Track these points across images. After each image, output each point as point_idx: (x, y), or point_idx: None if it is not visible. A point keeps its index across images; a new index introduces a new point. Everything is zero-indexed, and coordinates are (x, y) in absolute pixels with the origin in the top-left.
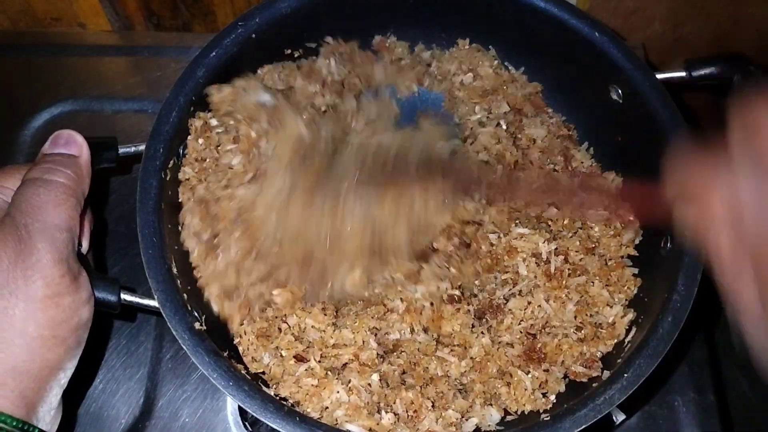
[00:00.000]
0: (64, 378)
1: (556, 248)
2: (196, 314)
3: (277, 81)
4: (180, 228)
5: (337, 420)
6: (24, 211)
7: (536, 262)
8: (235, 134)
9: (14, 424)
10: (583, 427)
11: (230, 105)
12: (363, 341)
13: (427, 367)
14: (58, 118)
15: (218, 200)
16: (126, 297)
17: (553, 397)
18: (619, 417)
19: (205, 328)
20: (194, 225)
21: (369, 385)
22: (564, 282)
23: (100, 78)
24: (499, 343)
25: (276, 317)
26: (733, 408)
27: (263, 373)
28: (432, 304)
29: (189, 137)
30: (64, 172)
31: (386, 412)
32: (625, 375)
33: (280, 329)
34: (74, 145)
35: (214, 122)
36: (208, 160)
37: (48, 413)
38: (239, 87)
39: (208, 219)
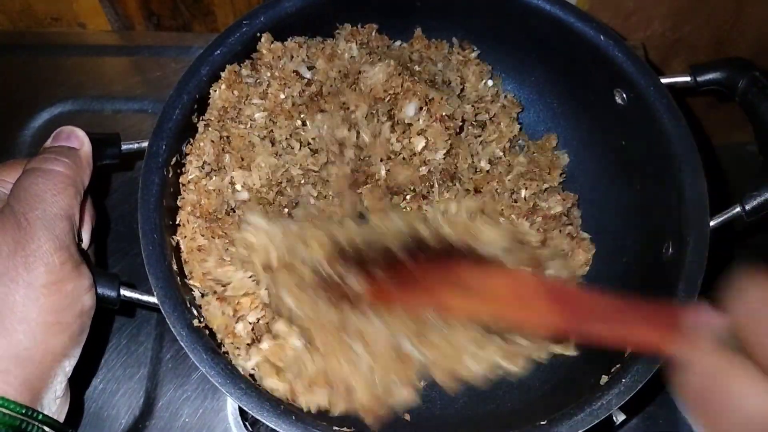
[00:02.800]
0: (68, 366)
1: None
2: (195, 311)
3: (303, 56)
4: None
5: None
6: (22, 200)
7: None
8: (264, 89)
9: (18, 410)
10: None
11: (273, 60)
12: None
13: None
14: (58, 118)
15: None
16: (125, 293)
17: None
18: (620, 417)
19: (203, 325)
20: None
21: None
22: None
23: (100, 78)
24: None
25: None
26: None
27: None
28: None
29: (222, 86)
30: (62, 161)
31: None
32: (623, 380)
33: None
34: (75, 139)
35: (244, 72)
36: (230, 111)
37: (53, 401)
38: (290, 48)
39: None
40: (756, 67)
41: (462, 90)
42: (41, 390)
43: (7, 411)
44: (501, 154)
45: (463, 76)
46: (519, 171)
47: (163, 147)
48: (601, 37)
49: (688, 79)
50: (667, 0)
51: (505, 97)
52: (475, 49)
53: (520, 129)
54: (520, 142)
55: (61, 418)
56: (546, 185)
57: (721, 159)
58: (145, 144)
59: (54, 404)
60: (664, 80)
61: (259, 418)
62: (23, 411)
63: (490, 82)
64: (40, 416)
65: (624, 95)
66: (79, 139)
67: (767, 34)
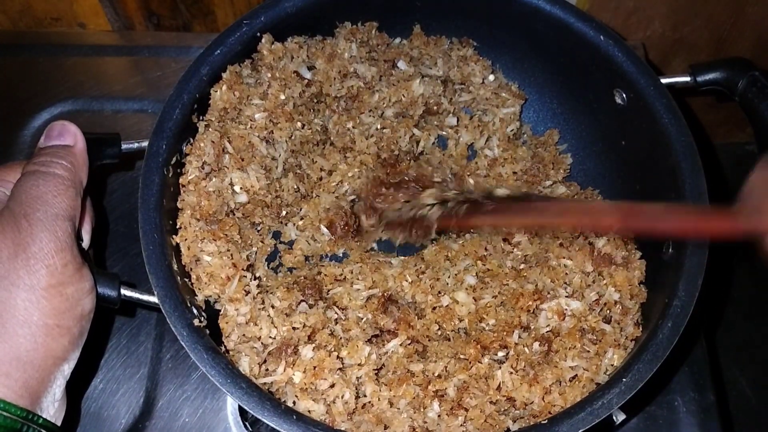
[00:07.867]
0: (67, 369)
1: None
2: (195, 311)
3: (303, 56)
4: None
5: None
6: (23, 202)
7: None
8: (265, 90)
9: (18, 413)
10: (581, 431)
11: (274, 61)
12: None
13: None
14: (58, 118)
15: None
16: (126, 292)
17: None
18: (620, 417)
19: (204, 324)
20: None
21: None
22: None
23: (100, 78)
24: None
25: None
26: (733, 408)
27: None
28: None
29: (223, 87)
30: (60, 163)
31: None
32: (624, 380)
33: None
34: (68, 135)
35: (245, 72)
36: (231, 111)
37: (52, 404)
38: (290, 49)
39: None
40: (756, 67)
41: (462, 85)
42: (41, 393)
43: (7, 414)
44: (502, 144)
45: (463, 73)
46: (524, 166)
47: (164, 146)
48: (601, 37)
49: (688, 79)
50: (667, 0)
51: (509, 87)
52: (474, 44)
53: (520, 124)
54: (524, 136)
55: (59, 422)
56: (549, 182)
57: (721, 159)
58: (145, 144)
59: (53, 407)
60: (664, 80)
61: (259, 417)
62: (23, 414)
63: (491, 77)
64: (40, 420)
65: (624, 95)
66: (71, 134)
67: (767, 34)
